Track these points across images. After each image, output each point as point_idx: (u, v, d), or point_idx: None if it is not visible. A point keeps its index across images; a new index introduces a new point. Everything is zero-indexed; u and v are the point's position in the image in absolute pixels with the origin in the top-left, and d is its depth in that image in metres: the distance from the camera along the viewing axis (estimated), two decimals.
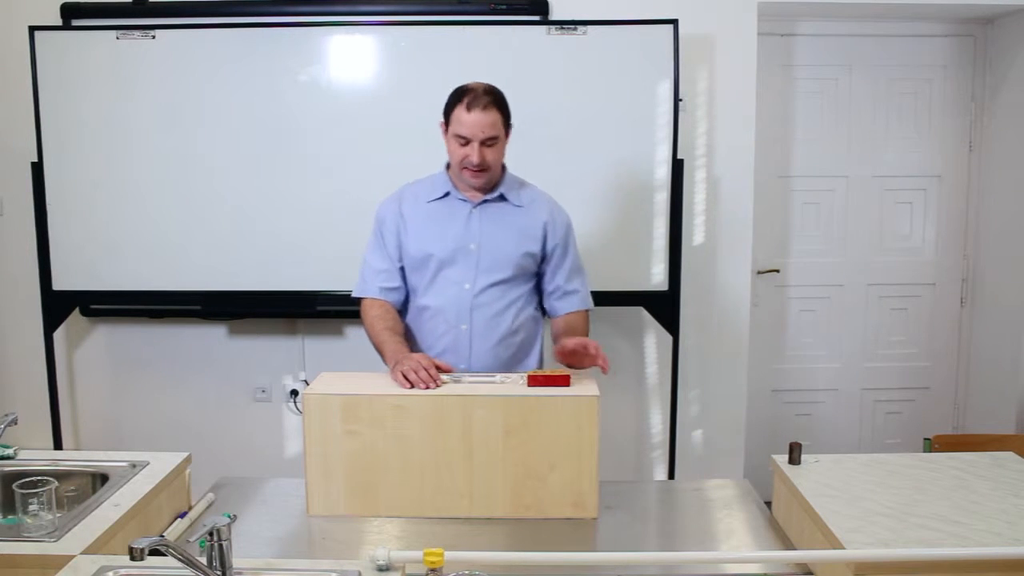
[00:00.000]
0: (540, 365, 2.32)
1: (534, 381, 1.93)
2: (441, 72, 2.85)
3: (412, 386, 1.93)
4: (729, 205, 3.39)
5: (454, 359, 2.18)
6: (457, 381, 1.99)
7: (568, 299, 2.29)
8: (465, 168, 2.14)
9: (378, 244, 2.27)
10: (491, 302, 2.20)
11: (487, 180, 2.19)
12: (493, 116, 2.10)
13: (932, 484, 1.77)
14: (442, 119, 2.17)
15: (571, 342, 2.09)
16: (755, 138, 3.36)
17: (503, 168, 2.23)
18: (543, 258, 2.27)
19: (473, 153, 2.11)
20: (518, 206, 2.24)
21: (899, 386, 3.82)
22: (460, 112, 2.10)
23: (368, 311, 2.24)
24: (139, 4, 3.24)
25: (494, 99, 2.12)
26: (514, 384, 1.96)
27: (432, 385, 1.93)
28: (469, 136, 2.10)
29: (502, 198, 2.23)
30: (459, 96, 2.12)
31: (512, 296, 2.23)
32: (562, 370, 2.00)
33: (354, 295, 2.30)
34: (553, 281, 2.29)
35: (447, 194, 2.23)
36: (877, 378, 3.82)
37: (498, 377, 2.03)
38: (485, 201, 2.22)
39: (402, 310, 2.29)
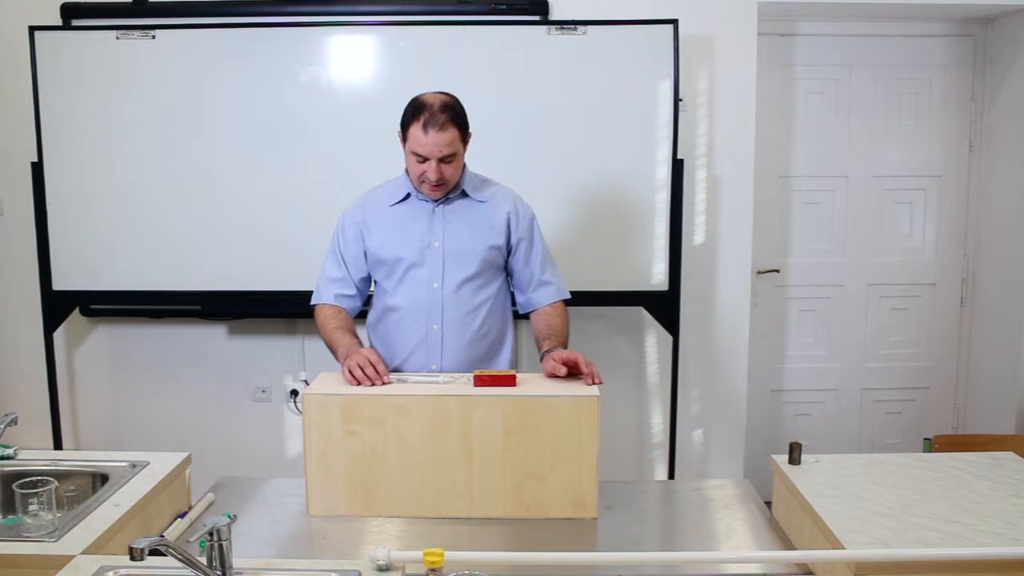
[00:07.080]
0: (512, 365, 2.31)
1: (480, 381, 1.92)
2: (441, 72, 2.85)
3: (359, 383, 1.93)
4: (729, 205, 3.39)
5: (425, 359, 2.18)
6: (402, 381, 1.99)
7: (543, 289, 2.27)
8: (423, 183, 2.14)
9: (334, 254, 2.27)
10: (462, 302, 2.19)
11: (445, 192, 2.18)
12: (451, 134, 2.06)
13: (932, 484, 1.76)
14: (399, 130, 2.13)
15: (560, 356, 2.00)
16: (755, 138, 3.36)
17: (463, 166, 2.20)
18: (509, 251, 2.25)
19: (431, 171, 2.09)
20: (481, 201, 2.22)
21: (899, 386, 3.82)
22: (416, 131, 2.06)
23: (319, 313, 2.25)
24: (139, 4, 3.24)
25: (451, 116, 2.06)
26: (459, 384, 1.95)
27: (378, 382, 1.93)
28: (426, 155, 2.07)
29: (464, 194, 2.22)
30: (415, 113, 2.07)
31: (482, 296, 2.22)
32: (508, 370, 1.98)
33: (311, 303, 2.30)
34: (525, 272, 2.26)
35: (408, 196, 2.21)
36: (877, 378, 3.81)
37: (442, 377, 2.03)
38: (447, 199, 2.20)
39: (358, 317, 2.28)
